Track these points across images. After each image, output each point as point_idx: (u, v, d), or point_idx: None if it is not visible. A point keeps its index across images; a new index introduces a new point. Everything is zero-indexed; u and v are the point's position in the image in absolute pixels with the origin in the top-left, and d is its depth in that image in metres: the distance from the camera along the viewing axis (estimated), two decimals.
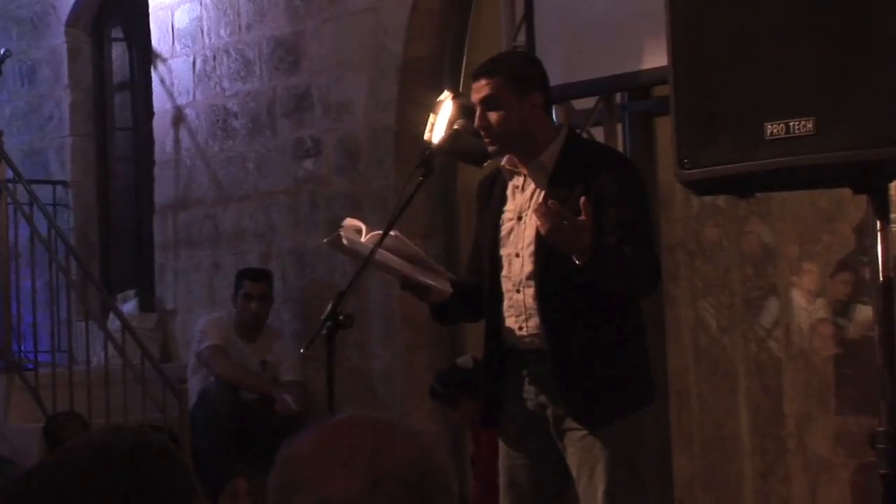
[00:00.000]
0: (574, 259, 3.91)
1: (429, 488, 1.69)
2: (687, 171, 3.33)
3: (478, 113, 4.25)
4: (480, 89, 4.24)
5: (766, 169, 3.17)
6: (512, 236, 4.27)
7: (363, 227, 4.29)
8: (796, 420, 5.94)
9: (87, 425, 6.28)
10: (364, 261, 4.15)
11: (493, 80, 4.23)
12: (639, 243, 4.12)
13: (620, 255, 4.08)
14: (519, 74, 4.27)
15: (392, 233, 4.23)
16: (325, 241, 4.30)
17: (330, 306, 4.05)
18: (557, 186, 4.20)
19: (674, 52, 3.37)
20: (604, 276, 4.03)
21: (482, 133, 4.26)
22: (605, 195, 4.13)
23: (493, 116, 4.22)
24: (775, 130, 3.12)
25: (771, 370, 6.07)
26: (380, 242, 4.15)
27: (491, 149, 4.31)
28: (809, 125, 3.09)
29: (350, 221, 4.31)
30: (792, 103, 3.13)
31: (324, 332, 4.04)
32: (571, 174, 4.20)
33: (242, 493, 5.78)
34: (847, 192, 3.49)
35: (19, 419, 7.40)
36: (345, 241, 4.16)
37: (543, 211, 3.86)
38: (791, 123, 3.11)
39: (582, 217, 3.85)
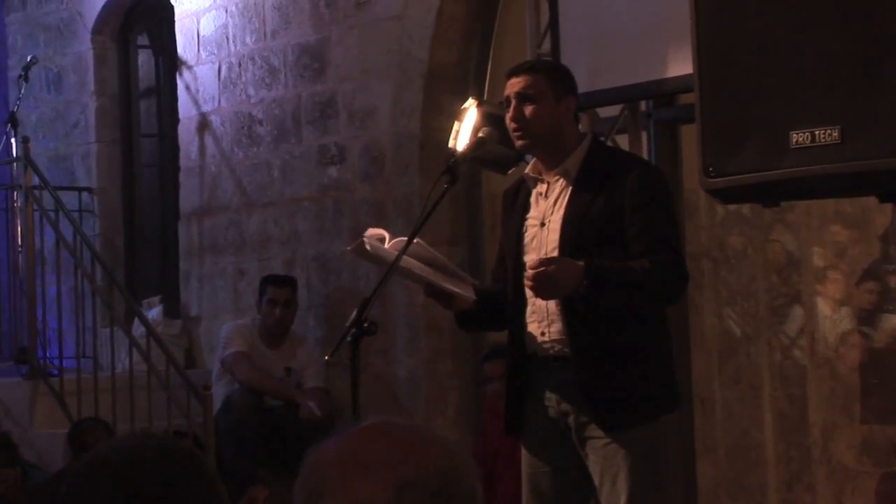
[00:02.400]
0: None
1: (454, 496, 1.69)
2: (712, 180, 3.33)
3: (512, 105, 4.25)
4: (518, 83, 4.26)
5: (792, 177, 3.16)
6: (535, 242, 4.27)
7: (386, 235, 4.29)
8: (821, 429, 5.92)
9: (112, 431, 6.30)
10: (389, 267, 4.16)
11: (533, 76, 4.26)
12: (663, 251, 4.12)
13: (629, 272, 4.08)
14: (557, 76, 4.33)
15: (415, 240, 4.23)
16: (348, 248, 4.31)
17: (355, 313, 4.05)
18: (580, 193, 4.21)
19: (699, 60, 3.36)
20: (610, 297, 4.06)
21: (513, 126, 4.26)
22: (630, 202, 4.14)
23: (528, 109, 4.22)
24: (801, 139, 3.11)
25: (796, 378, 6.05)
26: (405, 249, 4.16)
27: (519, 143, 4.30)
28: (835, 134, 3.08)
29: (373, 231, 4.31)
30: (818, 112, 3.12)
31: (349, 338, 4.04)
32: (595, 181, 4.21)
33: (261, 501, 5.78)
34: (873, 200, 3.48)
35: (44, 425, 7.43)
36: (368, 248, 4.17)
37: (529, 276, 4.00)
38: (817, 132, 3.10)
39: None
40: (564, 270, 4.01)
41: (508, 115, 4.26)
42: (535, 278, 4.01)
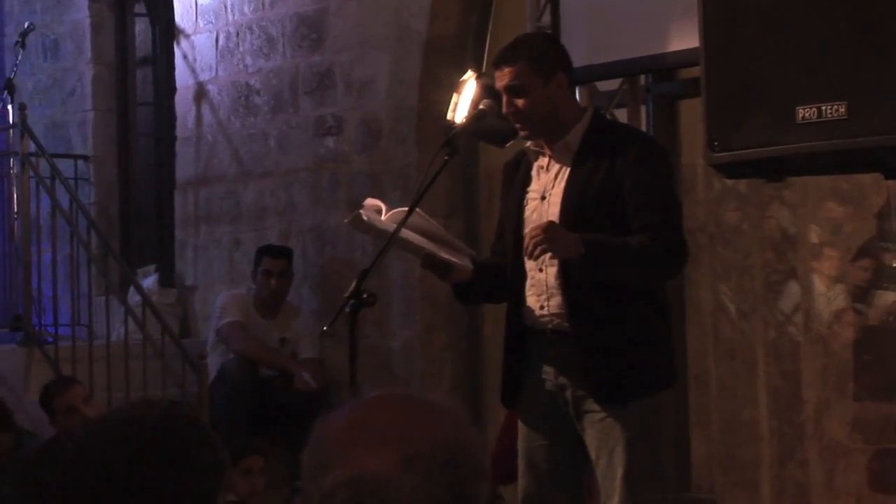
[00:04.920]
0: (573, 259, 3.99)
1: (462, 466, 1.69)
2: (717, 154, 3.32)
3: (504, 100, 4.24)
4: (503, 77, 4.23)
5: (797, 153, 3.16)
6: (536, 215, 4.27)
7: (383, 206, 4.29)
8: (814, 405, 5.94)
9: (73, 378, 6.36)
10: (388, 239, 4.15)
11: (515, 66, 4.22)
12: (663, 225, 4.12)
13: (627, 245, 4.08)
14: (541, 57, 4.26)
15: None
16: (346, 220, 4.31)
17: (353, 284, 4.06)
18: (582, 167, 4.20)
19: (705, 33, 3.36)
20: (606, 269, 4.07)
21: (513, 119, 4.26)
22: (630, 176, 4.14)
23: (520, 102, 4.22)
24: (807, 114, 3.11)
25: (790, 355, 6.06)
26: (404, 220, 4.15)
27: (523, 134, 4.31)
28: (842, 109, 3.08)
29: (370, 202, 4.31)
30: (824, 87, 3.12)
31: (347, 309, 4.05)
32: (596, 155, 4.21)
33: (256, 471, 5.79)
34: (869, 177, 3.48)
35: (39, 392, 7.42)
36: (365, 219, 4.17)
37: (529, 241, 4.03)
38: (823, 107, 3.10)
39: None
40: (562, 232, 4.02)
41: (504, 110, 4.27)
42: (532, 233, 4.02)
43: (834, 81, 3.14)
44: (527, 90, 4.20)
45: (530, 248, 4.03)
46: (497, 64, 4.29)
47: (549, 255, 4.19)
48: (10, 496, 5.56)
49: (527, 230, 4.26)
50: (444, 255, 4.27)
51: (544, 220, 4.21)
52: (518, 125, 4.27)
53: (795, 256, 6.07)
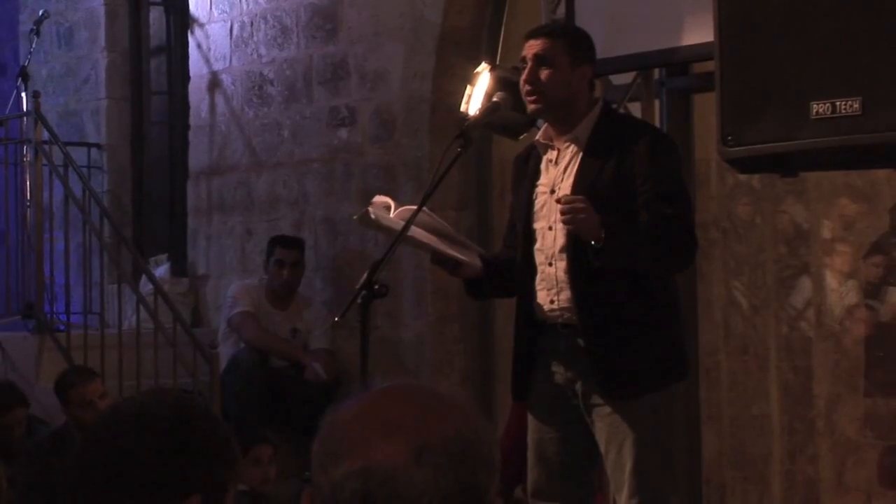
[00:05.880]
0: (591, 242, 3.97)
1: (471, 458, 1.69)
2: (730, 149, 3.31)
3: (528, 67, 4.23)
4: (534, 46, 4.24)
5: (811, 148, 3.15)
6: (545, 210, 4.27)
7: (392, 203, 4.29)
8: (825, 401, 5.93)
9: (93, 370, 6.38)
10: (397, 237, 4.15)
11: (552, 40, 4.24)
12: (673, 218, 4.12)
13: (641, 235, 4.08)
14: (577, 43, 4.30)
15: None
16: (354, 217, 4.31)
17: (365, 275, 4.06)
18: (591, 160, 4.20)
19: (720, 27, 3.35)
20: (621, 257, 4.05)
21: (527, 89, 4.24)
22: (640, 169, 4.13)
23: (543, 73, 4.21)
24: (821, 110, 3.10)
25: (801, 350, 6.06)
26: (412, 218, 4.15)
27: (532, 107, 4.29)
28: (856, 105, 3.07)
29: (379, 199, 4.32)
30: (838, 82, 3.11)
31: (359, 300, 4.05)
32: (605, 148, 4.21)
33: (265, 460, 5.80)
34: (882, 173, 3.47)
35: (50, 380, 7.39)
36: (373, 217, 4.17)
37: (561, 209, 3.98)
38: (837, 103, 3.09)
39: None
40: (593, 212, 4.00)
41: (523, 77, 4.25)
42: (572, 200, 4.00)
43: (848, 77, 3.13)
44: (554, 64, 4.21)
45: (566, 209, 4.00)
46: (533, 34, 4.29)
47: (558, 249, 4.19)
48: (21, 482, 5.59)
49: (536, 225, 4.26)
50: (452, 252, 4.27)
51: (554, 213, 4.20)
52: (531, 97, 4.24)
53: (808, 252, 6.06)
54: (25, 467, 5.81)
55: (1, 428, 6.13)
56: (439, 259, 4.29)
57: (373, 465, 1.66)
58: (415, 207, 4.20)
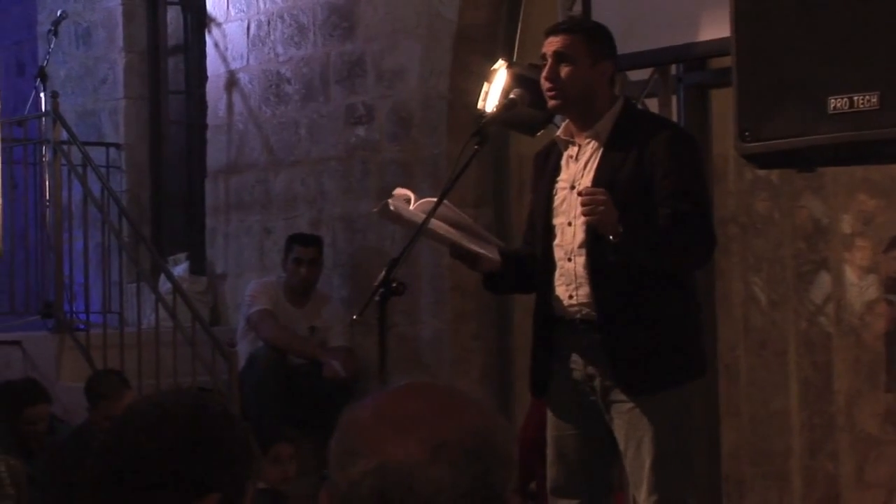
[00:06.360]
0: (609, 237, 3.96)
1: (488, 456, 1.69)
2: (748, 144, 3.31)
3: (548, 64, 4.23)
4: (555, 42, 4.23)
5: (829, 143, 3.14)
6: (565, 205, 4.27)
7: (412, 196, 4.29)
8: (845, 396, 5.92)
9: (127, 383, 6.35)
10: (417, 229, 4.15)
11: (572, 36, 4.24)
12: (692, 214, 4.11)
13: (659, 232, 4.07)
14: (598, 39, 4.30)
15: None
16: (374, 210, 4.31)
17: (383, 273, 4.06)
18: (611, 156, 4.20)
19: (737, 22, 3.34)
20: (639, 253, 4.05)
21: (547, 86, 4.24)
22: (659, 165, 4.13)
23: (563, 70, 4.21)
24: (839, 104, 3.09)
25: (821, 346, 6.04)
26: (433, 211, 4.15)
27: (552, 103, 4.29)
28: (874, 100, 3.06)
29: (399, 191, 4.31)
30: (856, 77, 3.10)
31: (377, 298, 4.05)
32: (625, 144, 4.20)
33: (285, 458, 5.81)
34: None
35: (70, 379, 7.46)
36: (392, 209, 4.17)
37: (582, 200, 3.97)
38: (855, 98, 3.08)
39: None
40: (612, 206, 3.99)
41: (543, 74, 4.25)
42: (593, 192, 3.99)
43: (866, 72, 3.12)
44: (575, 61, 4.20)
45: (587, 200, 4.00)
46: (553, 30, 4.29)
47: (577, 245, 4.19)
48: (42, 481, 5.60)
49: (556, 221, 4.26)
50: (472, 245, 4.27)
51: (574, 209, 4.20)
52: (551, 94, 4.24)
53: (827, 247, 6.04)
54: (47, 465, 5.83)
55: (24, 422, 6.14)
56: (459, 253, 4.28)
57: (389, 463, 1.66)
58: (435, 200, 4.19)
